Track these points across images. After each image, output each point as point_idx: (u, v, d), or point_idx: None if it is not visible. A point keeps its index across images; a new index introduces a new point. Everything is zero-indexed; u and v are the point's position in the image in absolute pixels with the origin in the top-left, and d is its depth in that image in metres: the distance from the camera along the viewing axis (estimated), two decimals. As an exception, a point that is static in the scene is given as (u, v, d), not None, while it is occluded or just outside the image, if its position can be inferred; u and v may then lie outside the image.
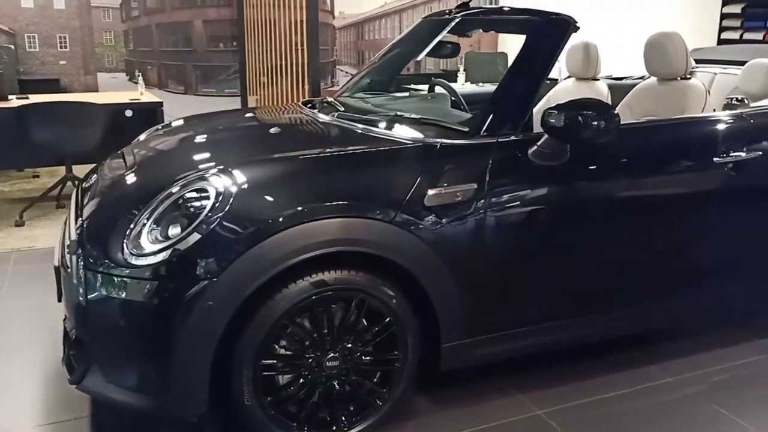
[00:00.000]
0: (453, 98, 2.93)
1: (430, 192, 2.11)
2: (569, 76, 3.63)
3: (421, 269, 2.12)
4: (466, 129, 2.31)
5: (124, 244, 2.00)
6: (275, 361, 2.05)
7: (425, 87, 4.04)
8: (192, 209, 1.99)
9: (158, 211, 2.03)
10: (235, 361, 1.99)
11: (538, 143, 2.25)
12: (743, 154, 2.55)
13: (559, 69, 6.03)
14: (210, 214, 1.94)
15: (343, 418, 2.17)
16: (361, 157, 2.22)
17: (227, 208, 1.94)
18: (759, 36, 5.60)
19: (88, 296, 2.01)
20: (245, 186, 2.01)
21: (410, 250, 2.09)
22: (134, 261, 1.96)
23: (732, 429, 2.32)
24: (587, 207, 2.38)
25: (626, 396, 2.51)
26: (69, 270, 2.09)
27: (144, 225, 2.02)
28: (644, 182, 2.47)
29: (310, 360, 2.08)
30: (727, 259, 2.70)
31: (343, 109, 2.75)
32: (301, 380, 2.09)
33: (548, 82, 3.85)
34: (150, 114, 5.20)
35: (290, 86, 7.52)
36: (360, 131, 2.39)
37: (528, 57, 2.40)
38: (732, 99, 2.76)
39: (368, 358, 2.16)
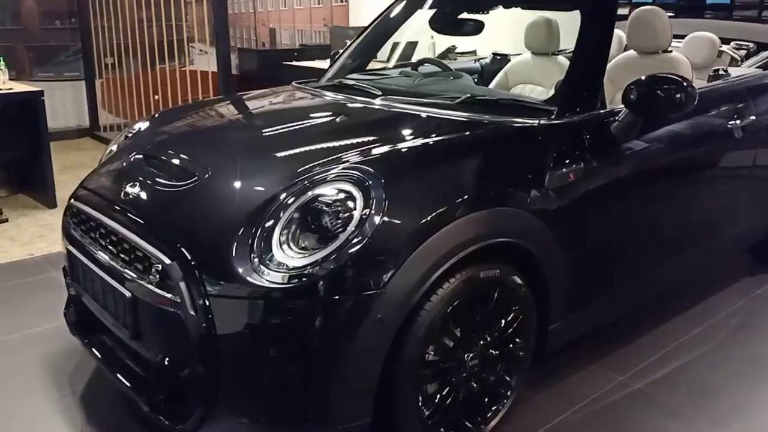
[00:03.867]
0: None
1: (548, 175, 2.07)
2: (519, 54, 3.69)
3: (543, 254, 2.08)
4: (554, 108, 2.28)
5: (254, 260, 1.71)
6: (430, 370, 1.90)
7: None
8: (336, 211, 1.75)
9: (286, 217, 1.76)
10: (399, 376, 1.80)
11: (619, 118, 2.29)
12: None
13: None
14: (365, 215, 1.72)
15: (478, 417, 2.08)
16: (485, 143, 2.12)
17: (385, 207, 1.74)
18: (624, 11, 6.15)
19: (218, 327, 1.70)
20: (397, 181, 1.82)
21: (539, 236, 2.05)
22: (274, 278, 1.69)
23: (779, 367, 2.61)
24: (668, 175, 2.52)
25: (679, 349, 2.69)
26: (173, 298, 1.75)
27: (273, 235, 1.74)
28: (716, 145, 2.70)
29: (458, 362, 1.96)
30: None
31: (380, 93, 2.56)
32: (449, 386, 1.96)
33: (498, 57, 3.94)
34: (30, 107, 4.42)
35: (141, 68, 6.84)
36: (451, 117, 2.25)
37: (591, 33, 2.43)
38: (718, 70, 3.03)
39: (497, 351, 2.08)
